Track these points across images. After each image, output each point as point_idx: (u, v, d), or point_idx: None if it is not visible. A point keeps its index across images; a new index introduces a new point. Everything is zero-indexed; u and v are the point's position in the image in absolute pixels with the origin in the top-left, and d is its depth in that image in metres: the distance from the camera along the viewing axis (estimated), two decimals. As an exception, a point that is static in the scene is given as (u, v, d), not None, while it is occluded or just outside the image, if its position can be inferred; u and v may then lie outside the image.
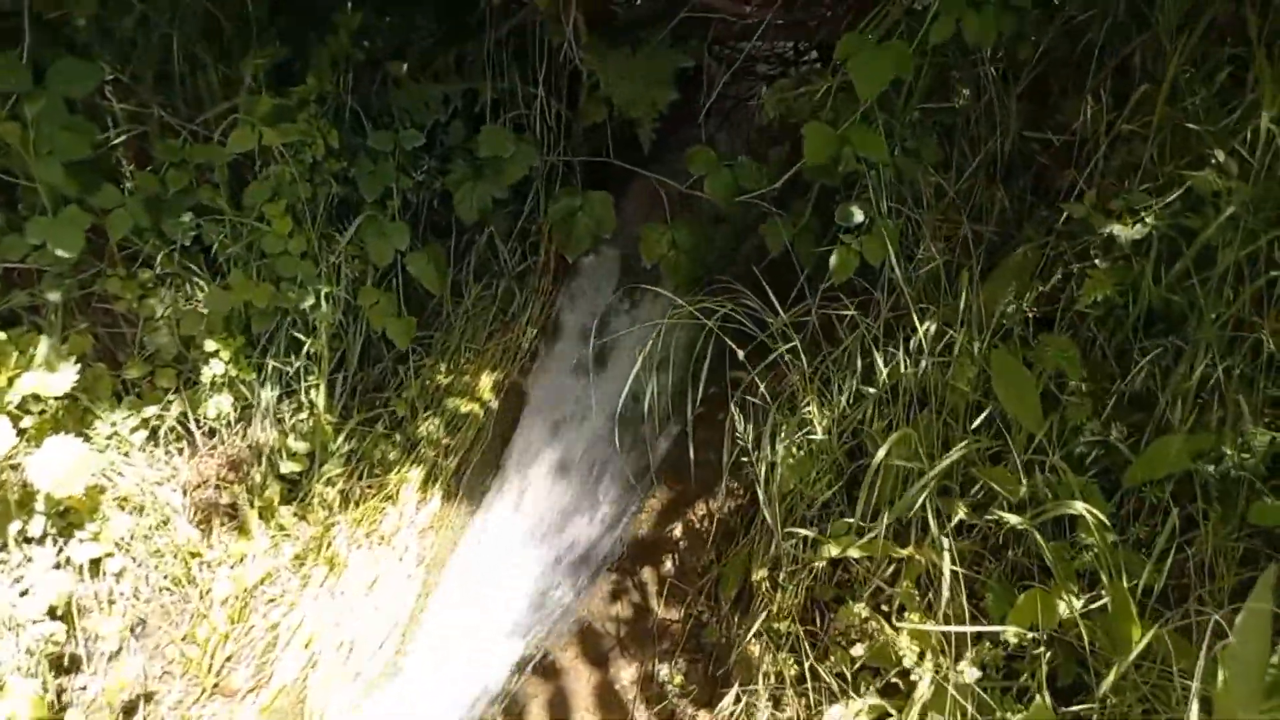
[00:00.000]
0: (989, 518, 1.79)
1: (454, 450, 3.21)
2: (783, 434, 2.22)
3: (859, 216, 2.25)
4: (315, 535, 3.00)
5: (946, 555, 1.68)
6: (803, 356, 2.25)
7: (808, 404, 2.19)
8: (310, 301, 2.93)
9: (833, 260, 2.24)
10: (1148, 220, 1.78)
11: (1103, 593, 1.57)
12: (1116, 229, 1.78)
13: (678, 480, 2.86)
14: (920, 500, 1.77)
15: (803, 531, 2.03)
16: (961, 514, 1.75)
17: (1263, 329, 1.66)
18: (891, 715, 1.72)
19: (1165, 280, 1.78)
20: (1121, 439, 1.72)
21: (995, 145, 2.34)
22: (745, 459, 2.44)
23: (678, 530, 2.72)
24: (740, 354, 2.24)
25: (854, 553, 1.84)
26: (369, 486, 3.09)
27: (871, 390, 2.03)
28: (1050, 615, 1.58)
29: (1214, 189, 1.72)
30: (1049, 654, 1.63)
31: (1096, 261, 1.84)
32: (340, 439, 3.09)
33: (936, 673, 1.64)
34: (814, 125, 2.21)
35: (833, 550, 1.86)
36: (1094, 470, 1.77)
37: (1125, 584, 1.52)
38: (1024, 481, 1.76)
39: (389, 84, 3.29)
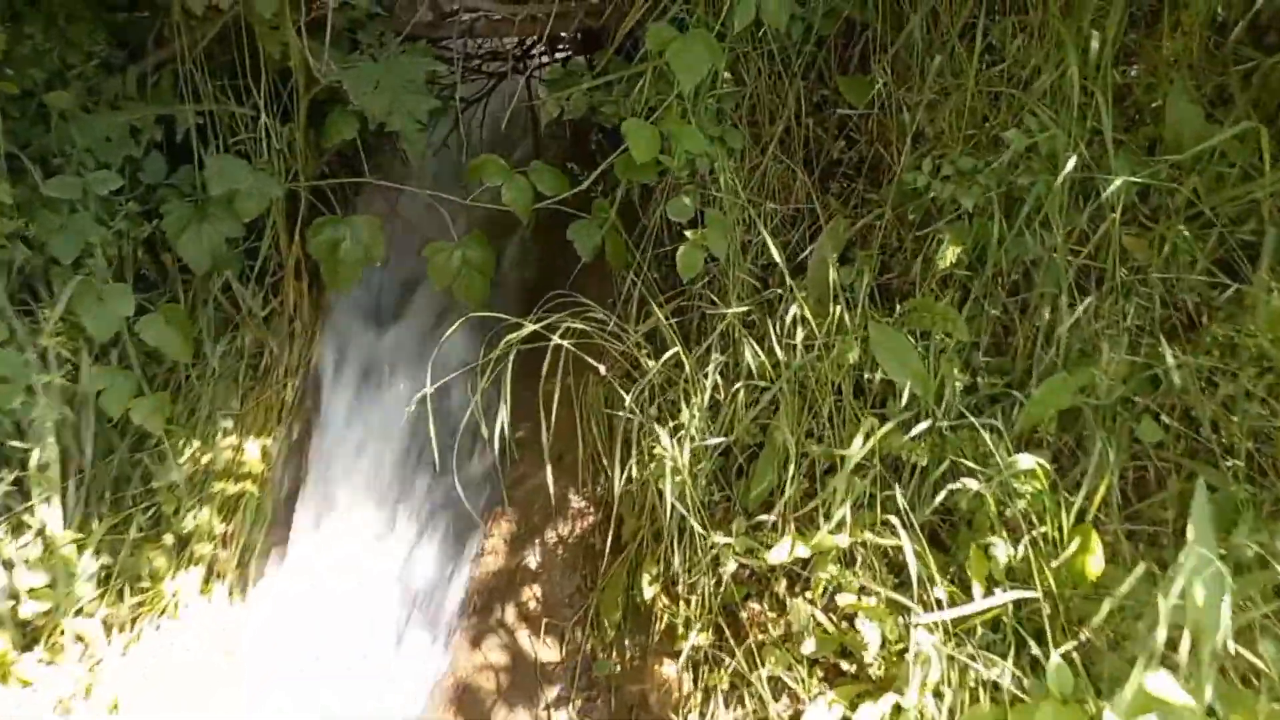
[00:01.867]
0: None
1: (233, 537, 2.75)
2: (655, 438, 2.12)
3: (690, 209, 2.21)
4: (79, 679, 2.43)
5: (904, 533, 1.71)
6: (652, 359, 2.18)
7: (675, 405, 2.12)
8: (20, 399, 2.33)
9: (680, 257, 2.17)
10: (981, 181, 1.92)
11: (1036, 537, 1.69)
12: (959, 194, 1.91)
13: (516, 507, 2.67)
14: (860, 486, 1.78)
15: (720, 537, 1.97)
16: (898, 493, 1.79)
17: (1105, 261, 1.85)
18: (867, 698, 1.72)
19: (1008, 235, 1.94)
20: (1002, 388, 1.86)
21: (788, 125, 2.40)
22: (600, 473, 2.32)
23: (532, 560, 2.54)
24: (603, 370, 2.11)
25: (803, 550, 1.82)
26: (139, 605, 2.55)
27: (761, 384, 2.00)
28: (995, 566, 1.67)
29: (1029, 143, 1.89)
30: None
31: (939, 227, 1.96)
32: (87, 557, 2.51)
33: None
34: (635, 124, 2.12)
35: (778, 551, 1.82)
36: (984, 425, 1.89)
37: (1060, 522, 1.64)
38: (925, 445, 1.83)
39: (54, 119, 2.69)
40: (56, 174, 2.65)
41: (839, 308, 1.96)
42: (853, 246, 2.19)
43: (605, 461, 2.43)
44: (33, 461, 2.38)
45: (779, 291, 2.14)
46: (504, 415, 2.23)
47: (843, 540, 1.79)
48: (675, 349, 2.05)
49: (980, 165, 1.94)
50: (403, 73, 2.60)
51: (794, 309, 2.01)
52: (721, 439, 2.02)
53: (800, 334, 2.00)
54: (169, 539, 2.59)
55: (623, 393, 2.14)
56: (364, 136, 2.81)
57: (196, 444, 2.75)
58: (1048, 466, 1.74)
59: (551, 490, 2.42)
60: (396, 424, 2.94)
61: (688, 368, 2.05)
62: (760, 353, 2.01)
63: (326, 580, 2.66)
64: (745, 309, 2.08)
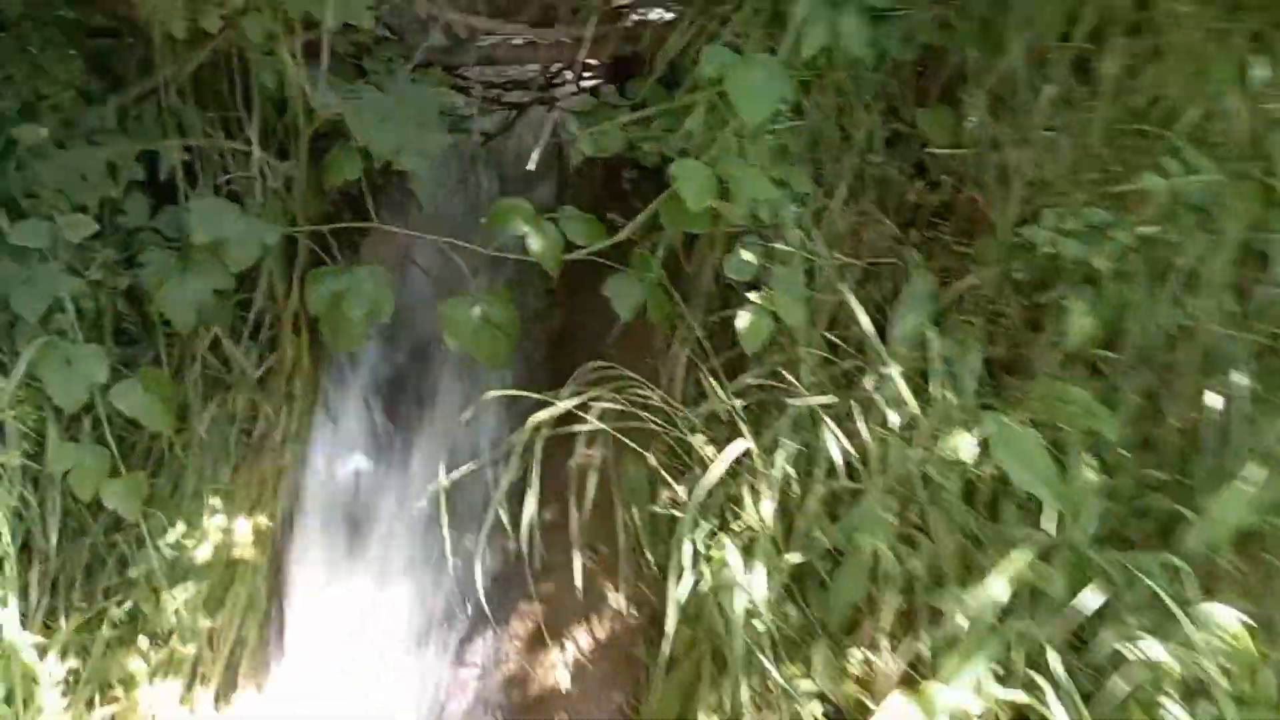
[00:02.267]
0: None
1: (221, 634, 2.41)
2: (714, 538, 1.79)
3: (753, 267, 1.87)
4: (38, 811, 2.09)
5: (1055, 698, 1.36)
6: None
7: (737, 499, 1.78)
8: (-31, 484, 2.01)
9: (744, 327, 1.83)
10: (1117, 237, 1.59)
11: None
12: (1091, 253, 1.57)
13: (544, 604, 2.32)
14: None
15: (798, 673, 1.62)
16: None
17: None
18: None
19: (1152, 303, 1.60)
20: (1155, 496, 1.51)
21: (859, 166, 2.07)
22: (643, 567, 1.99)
23: (561, 672, 2.19)
24: (651, 459, 1.78)
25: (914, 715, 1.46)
26: (110, 718, 2.21)
27: (848, 484, 1.66)
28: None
29: (1172, 189, 1.56)
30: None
31: (1061, 291, 1.62)
32: (52, 660, 2.18)
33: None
34: (688, 166, 1.79)
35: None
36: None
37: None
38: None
39: (23, 156, 2.38)
40: (26, 217, 2.34)
41: (945, 391, 1.62)
42: (942, 311, 1.85)
43: (649, 555, 2.09)
44: (-14, 555, 2.05)
45: (860, 365, 1.80)
46: (530, 506, 1.89)
47: (969, 701, 1.44)
48: (742, 443, 1.71)
49: (1116, 219, 1.61)
50: (413, 105, 2.29)
51: (887, 387, 1.67)
52: (799, 557, 1.67)
53: (893, 416, 1.66)
54: (144, 640, 2.25)
55: (673, 484, 1.80)
56: (370, 175, 2.49)
57: (180, 525, 2.41)
58: (1251, 624, 1.39)
59: (581, 587, 2.08)
60: (407, 502, 2.61)
61: (755, 459, 1.71)
62: (844, 440, 1.68)
63: (326, 687, 2.31)
64: (830, 399, 1.73)
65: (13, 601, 2.08)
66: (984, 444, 1.58)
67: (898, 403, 1.67)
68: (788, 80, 1.76)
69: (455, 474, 1.89)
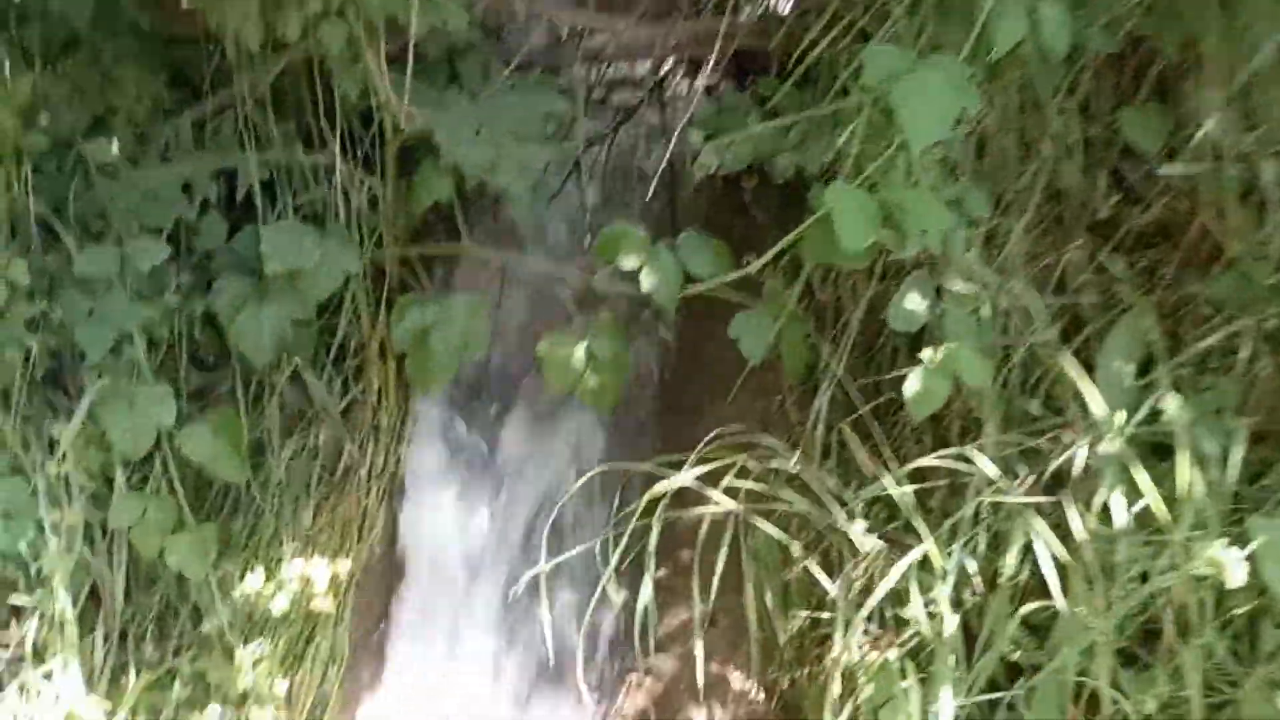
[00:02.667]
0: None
1: (300, 693, 2.20)
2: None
3: (922, 315, 1.54)
4: None
5: None
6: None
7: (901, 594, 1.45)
8: (27, 539, 1.82)
9: (914, 392, 1.50)
10: None
11: None
12: None
13: (656, 677, 2.04)
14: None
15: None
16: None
17: None
18: None
19: None
20: None
21: (1044, 180, 1.71)
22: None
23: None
24: (795, 547, 1.46)
25: None
26: (180, 790, 2.02)
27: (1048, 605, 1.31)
28: None
29: None
30: None
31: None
32: (116, 729, 1.99)
33: None
34: (845, 194, 1.46)
35: None
36: None
37: None
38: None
39: (93, 174, 2.19)
40: (98, 239, 2.16)
41: (1194, 479, 1.26)
42: (1156, 359, 1.49)
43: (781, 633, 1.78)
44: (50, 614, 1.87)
45: (1059, 436, 1.45)
46: (647, 590, 1.60)
47: None
48: (921, 547, 1.39)
49: None
50: (511, 114, 2.02)
51: (1107, 469, 1.31)
52: (983, 676, 1.34)
53: (1119, 510, 1.31)
54: (216, 707, 2.05)
55: (824, 579, 1.48)
56: (461, 191, 2.23)
57: (257, 572, 2.20)
58: None
59: (701, 670, 1.79)
60: (506, 548, 2.36)
61: (934, 561, 1.38)
62: (1051, 542, 1.33)
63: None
64: (1031, 499, 1.38)
65: (74, 665, 1.89)
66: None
67: (1122, 492, 1.32)
68: (969, 87, 1.42)
69: (560, 558, 1.60)
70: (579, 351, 1.99)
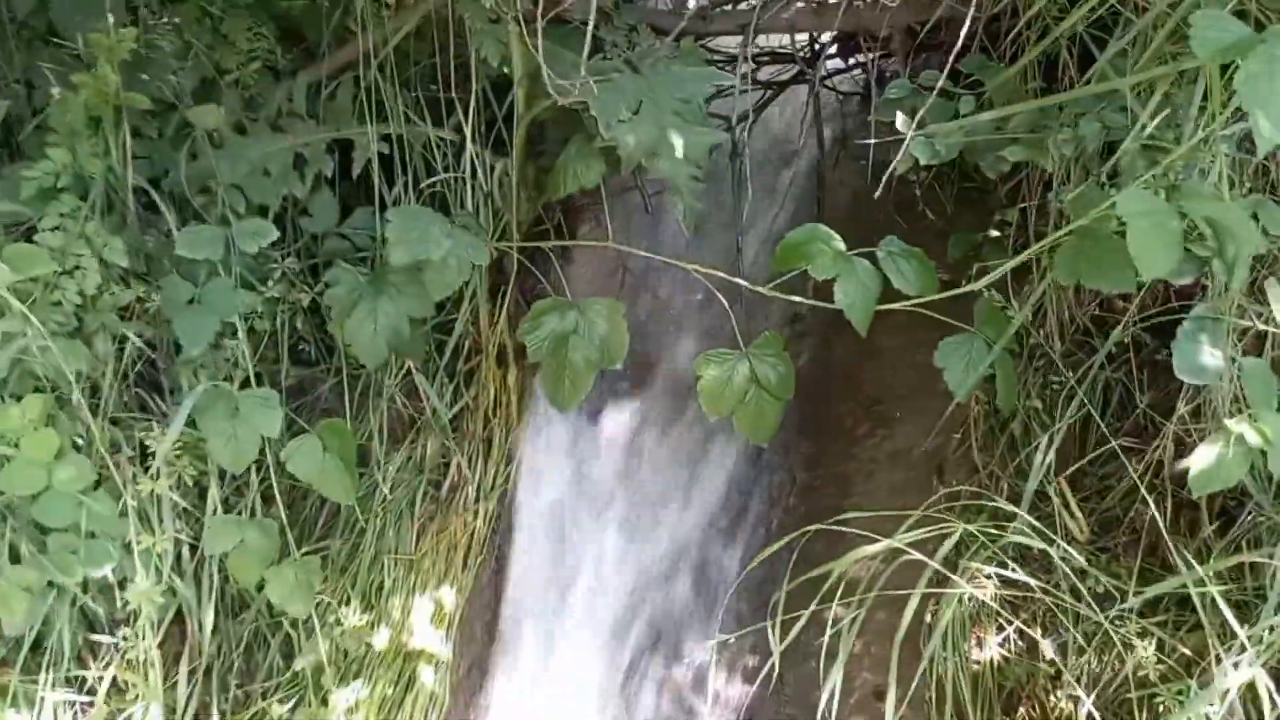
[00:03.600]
0: None
1: (398, 741, 1.95)
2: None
3: (1217, 367, 1.20)
4: None
5: None
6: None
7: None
8: (109, 567, 1.59)
9: (1199, 464, 1.17)
10: None
11: None
12: None
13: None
14: None
15: None
16: None
17: None
18: None
19: None
20: None
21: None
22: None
23: None
24: (1049, 650, 1.14)
25: None
26: (265, 847, 1.79)
27: None
28: None
29: None
30: None
31: None
32: (200, 774, 1.76)
33: None
34: (1144, 201, 1.12)
35: None
36: None
37: None
38: None
39: (198, 143, 1.95)
40: (199, 217, 1.93)
41: None
42: None
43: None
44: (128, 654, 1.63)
45: None
46: (835, 679, 1.29)
47: None
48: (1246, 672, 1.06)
49: None
50: (674, 89, 1.71)
51: None
52: None
53: None
54: (309, 755, 1.80)
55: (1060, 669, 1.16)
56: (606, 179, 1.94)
57: (354, 603, 1.96)
58: None
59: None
60: (630, 576, 2.09)
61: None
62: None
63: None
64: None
65: (156, 709, 1.66)
66: None
67: None
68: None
69: (731, 636, 1.30)
70: (739, 372, 1.69)
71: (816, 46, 2.44)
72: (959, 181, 2.20)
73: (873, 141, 1.56)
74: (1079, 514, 1.55)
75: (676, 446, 2.19)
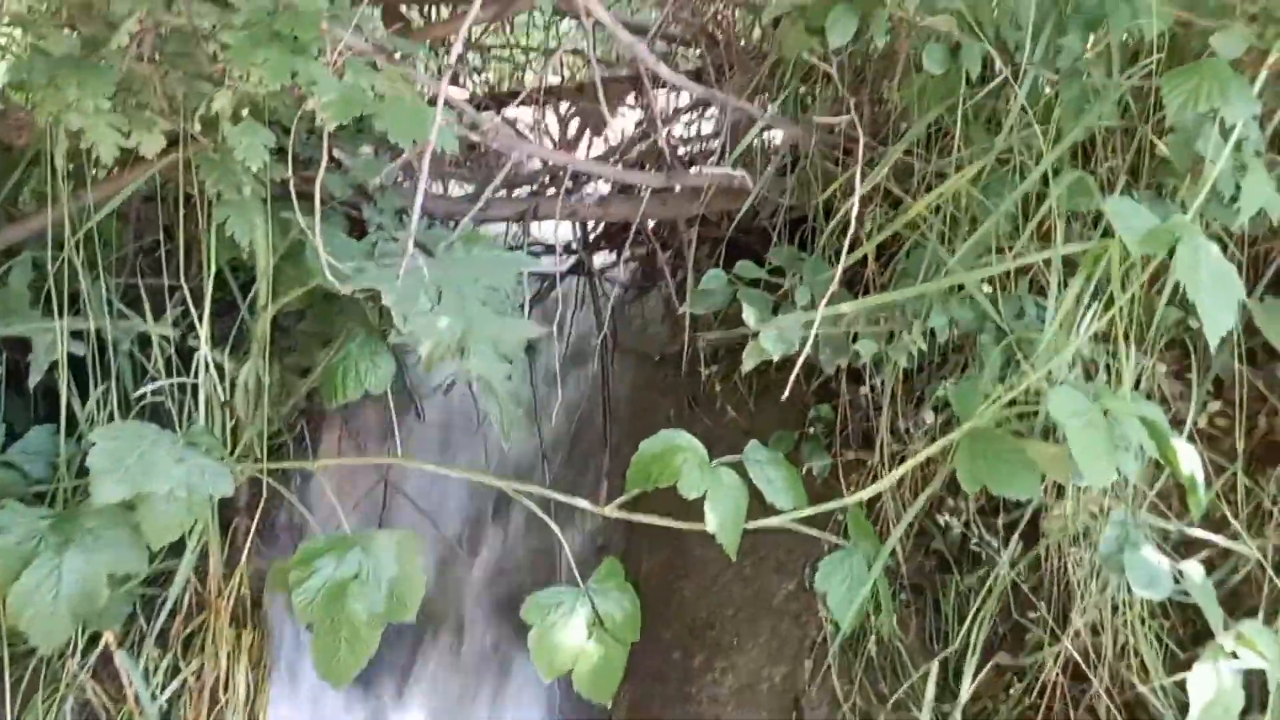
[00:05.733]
0: None
1: None
2: None
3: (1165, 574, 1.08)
4: None
5: None
6: None
7: None
8: None
9: (1199, 701, 1.02)
10: None
11: None
12: None
13: None
14: None
15: None
16: None
17: None
18: None
19: None
20: None
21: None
22: None
23: None
24: None
25: None
26: None
27: None
28: None
29: None
30: None
31: None
32: None
33: None
34: (1075, 399, 1.01)
35: None
36: None
37: None
38: None
39: None
40: None
41: None
42: None
43: None
44: None
45: None
46: None
47: None
48: None
49: None
50: (477, 276, 1.44)
51: None
52: None
53: None
54: None
55: None
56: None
57: None
58: None
59: None
60: None
61: None
62: None
63: None
64: None
65: None
66: None
67: None
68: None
69: None
70: (575, 620, 1.36)
71: (591, 238, 2.31)
72: (756, 377, 2.09)
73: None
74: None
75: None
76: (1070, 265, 1.29)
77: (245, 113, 1.27)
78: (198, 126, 1.39)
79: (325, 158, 1.29)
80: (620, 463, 1.88)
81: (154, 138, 1.35)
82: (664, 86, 1.94)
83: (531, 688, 1.85)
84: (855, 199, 1.36)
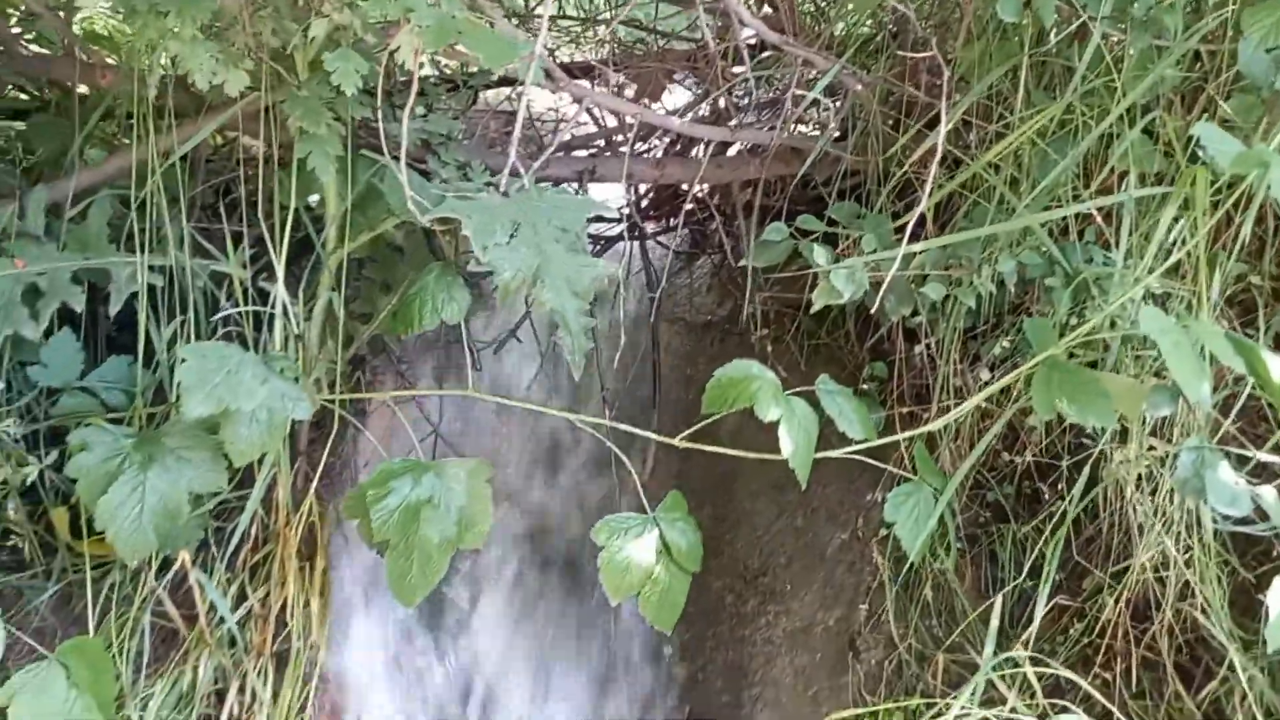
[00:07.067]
0: None
1: None
2: None
3: (1242, 493, 1.09)
4: None
5: None
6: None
7: None
8: None
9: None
10: None
11: None
12: None
13: None
14: None
15: None
16: None
17: None
18: None
19: None
20: None
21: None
22: None
23: None
24: None
25: None
26: None
27: None
28: None
29: None
30: None
31: None
32: None
33: None
34: (1171, 331, 1.03)
35: None
36: None
37: None
38: None
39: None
40: None
41: None
42: None
43: None
44: None
45: None
46: None
47: None
48: None
49: None
50: (550, 216, 1.47)
51: None
52: None
53: None
54: None
55: None
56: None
57: None
58: None
59: None
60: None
61: None
62: None
63: None
64: None
65: None
66: None
67: None
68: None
69: None
70: (642, 546, 1.39)
71: (642, 202, 2.34)
72: (807, 339, 2.12)
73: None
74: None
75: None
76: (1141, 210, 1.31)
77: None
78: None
79: (414, 92, 1.33)
80: (666, 425, 1.92)
81: (238, 75, 1.39)
82: (724, 56, 1.98)
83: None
84: (941, 132, 1.37)
